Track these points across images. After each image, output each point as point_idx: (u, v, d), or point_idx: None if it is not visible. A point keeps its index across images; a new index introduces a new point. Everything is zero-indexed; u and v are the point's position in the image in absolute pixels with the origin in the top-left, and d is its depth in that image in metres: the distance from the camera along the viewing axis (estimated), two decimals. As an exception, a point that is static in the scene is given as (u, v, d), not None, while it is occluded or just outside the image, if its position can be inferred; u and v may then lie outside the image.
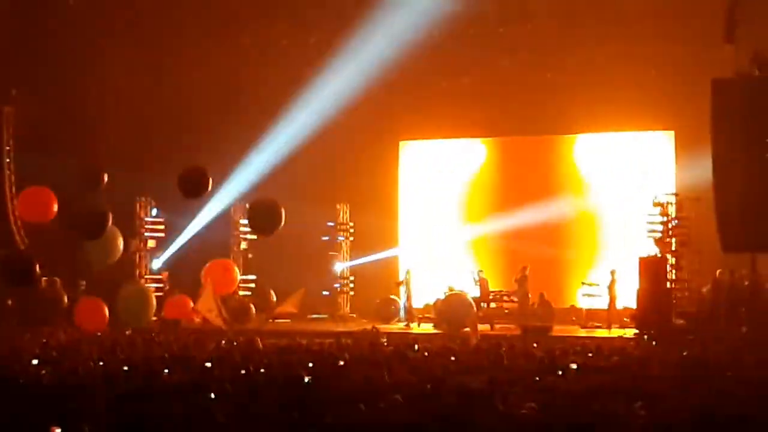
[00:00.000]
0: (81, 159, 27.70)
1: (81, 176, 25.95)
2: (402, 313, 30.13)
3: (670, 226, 26.98)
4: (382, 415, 10.52)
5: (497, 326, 27.83)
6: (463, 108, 30.95)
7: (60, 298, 27.50)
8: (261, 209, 25.43)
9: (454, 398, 11.37)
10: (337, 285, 32.25)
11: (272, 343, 19.37)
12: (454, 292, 28.43)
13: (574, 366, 14.88)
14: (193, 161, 29.39)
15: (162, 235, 30.62)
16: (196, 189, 24.76)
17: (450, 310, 27.46)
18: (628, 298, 27.51)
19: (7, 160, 28.27)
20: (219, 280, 27.86)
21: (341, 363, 14.89)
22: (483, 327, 27.23)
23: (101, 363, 15.05)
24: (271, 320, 29.04)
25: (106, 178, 25.87)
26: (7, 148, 28.32)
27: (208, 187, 24.54)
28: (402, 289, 30.35)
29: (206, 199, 29.11)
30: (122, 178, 28.39)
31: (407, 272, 30.27)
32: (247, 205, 28.25)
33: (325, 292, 32.15)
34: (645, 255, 26.50)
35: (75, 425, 10.52)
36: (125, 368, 13.94)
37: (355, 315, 30.84)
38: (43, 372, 13.82)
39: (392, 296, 30.86)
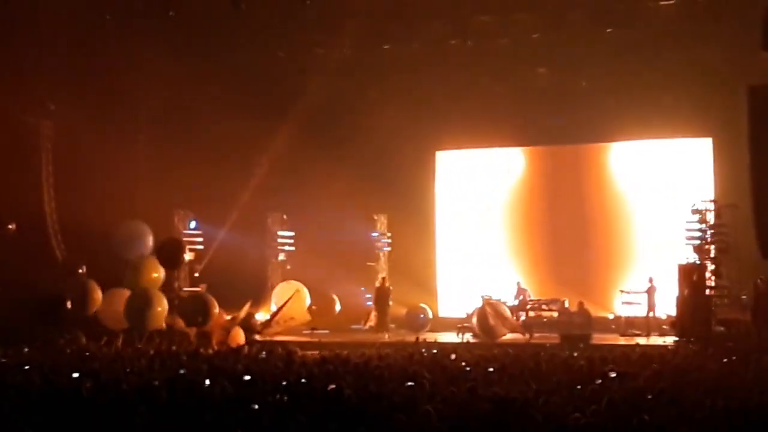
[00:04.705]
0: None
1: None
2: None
3: (708, 233, 26.86)
4: (421, 425, 10.53)
5: (536, 335, 27.78)
6: (498, 117, 30.90)
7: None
8: None
9: (492, 407, 11.35)
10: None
11: (312, 354, 19.43)
12: (491, 301, 28.38)
13: (613, 374, 14.84)
14: (228, 170, 29.74)
15: (201, 247, 30.37)
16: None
17: (487, 319, 27.45)
18: (667, 305, 27.42)
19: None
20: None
21: (380, 373, 14.91)
22: (521, 336, 27.29)
23: (142, 375, 15.13)
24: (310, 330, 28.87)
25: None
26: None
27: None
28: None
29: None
30: (160, 189, 28.70)
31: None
32: None
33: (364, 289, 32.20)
34: (684, 262, 26.42)
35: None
36: (166, 380, 13.99)
37: (394, 325, 30.73)
38: (87, 385, 13.90)
39: (422, 305, 30.87)
